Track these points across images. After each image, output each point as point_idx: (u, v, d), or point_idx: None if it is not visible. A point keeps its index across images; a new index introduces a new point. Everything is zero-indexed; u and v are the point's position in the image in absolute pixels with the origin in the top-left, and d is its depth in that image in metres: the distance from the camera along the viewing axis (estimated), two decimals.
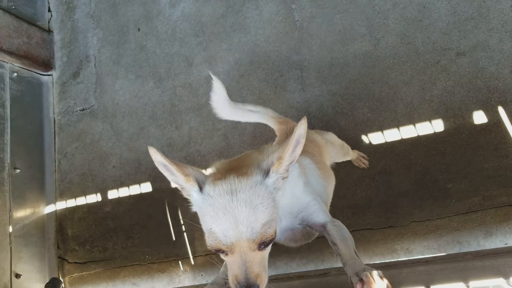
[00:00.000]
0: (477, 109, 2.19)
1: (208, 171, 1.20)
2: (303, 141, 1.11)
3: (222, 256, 1.11)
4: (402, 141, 2.30)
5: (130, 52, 3.10)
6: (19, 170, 2.87)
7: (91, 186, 2.96)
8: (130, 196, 2.85)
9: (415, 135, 2.28)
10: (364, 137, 2.38)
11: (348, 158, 2.21)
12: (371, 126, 2.38)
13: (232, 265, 1.08)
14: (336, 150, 1.97)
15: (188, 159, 2.75)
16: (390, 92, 2.36)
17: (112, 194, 2.90)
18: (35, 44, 3.21)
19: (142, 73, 3.02)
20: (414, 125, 2.29)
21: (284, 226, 1.34)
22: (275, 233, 1.09)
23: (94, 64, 3.21)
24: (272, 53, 2.67)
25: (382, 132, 2.35)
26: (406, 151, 2.29)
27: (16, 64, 3.06)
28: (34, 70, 3.22)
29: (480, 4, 2.26)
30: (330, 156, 1.87)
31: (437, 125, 2.24)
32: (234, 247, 1.05)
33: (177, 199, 2.72)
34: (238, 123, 2.64)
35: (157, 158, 1.09)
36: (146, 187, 2.82)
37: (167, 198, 2.75)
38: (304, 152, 1.42)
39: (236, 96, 2.66)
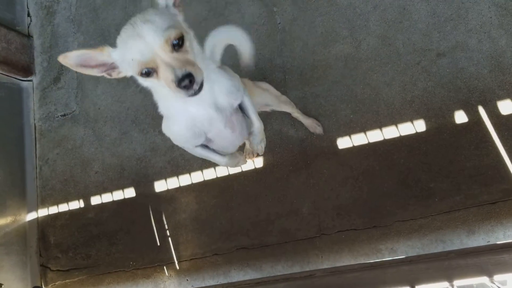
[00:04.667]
0: (458, 109, 2.23)
1: None
2: None
3: (153, 79, 1.23)
4: (385, 142, 2.33)
5: None
6: None
7: (74, 192, 2.93)
8: (113, 202, 2.83)
9: (398, 135, 2.30)
10: (347, 138, 2.40)
11: (286, 110, 2.31)
12: (354, 127, 2.40)
13: (164, 75, 1.20)
14: (271, 98, 2.14)
15: (172, 163, 2.74)
16: (372, 94, 2.39)
17: (95, 200, 2.87)
18: (15, 50, 3.18)
19: (124, 78, 3.00)
20: (396, 126, 2.32)
21: (221, 105, 1.55)
22: (183, 34, 1.22)
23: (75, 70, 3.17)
24: (255, 55, 2.67)
25: (365, 133, 2.37)
26: (388, 151, 2.31)
27: None
28: (13, 76, 3.18)
29: (459, 5, 2.30)
30: (261, 99, 2.05)
31: (418, 125, 2.28)
32: (155, 59, 1.19)
33: (161, 204, 2.71)
34: None
35: (71, 59, 1.25)
36: (129, 192, 2.80)
37: (151, 203, 2.74)
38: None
39: None
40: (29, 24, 3.42)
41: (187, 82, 1.18)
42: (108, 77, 1.36)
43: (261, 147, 1.91)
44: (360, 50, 2.45)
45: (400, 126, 2.31)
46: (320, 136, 2.45)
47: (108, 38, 3.12)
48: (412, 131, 2.28)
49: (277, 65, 2.63)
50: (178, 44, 1.21)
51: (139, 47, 1.19)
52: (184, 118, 1.51)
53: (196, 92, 1.23)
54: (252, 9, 2.74)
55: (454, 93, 2.24)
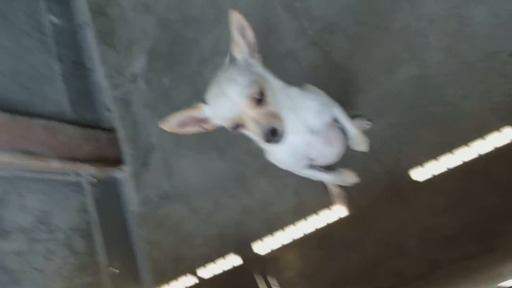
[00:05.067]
0: None
1: None
2: (246, 27, 1.43)
3: (243, 131, 1.44)
4: (477, 158, 2.22)
5: None
6: (117, 270, 3.09)
7: (183, 268, 3.12)
8: (222, 272, 2.96)
9: (490, 148, 2.19)
10: (436, 163, 2.32)
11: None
12: (441, 149, 2.33)
13: (252, 129, 1.37)
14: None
15: (267, 222, 2.82)
16: (451, 110, 2.32)
17: (205, 273, 3.02)
18: (104, 146, 3.50)
19: (204, 149, 3.19)
20: (484, 138, 2.21)
21: (315, 127, 1.69)
22: (263, 88, 1.38)
23: (160, 150, 3.42)
24: None
25: (453, 153, 2.29)
26: (484, 167, 2.22)
27: (91, 169, 3.34)
28: (108, 170, 3.50)
29: None
30: None
31: (509, 133, 2.15)
32: (241, 115, 1.36)
33: (266, 265, 2.79)
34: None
35: (172, 123, 1.53)
36: (234, 260, 2.93)
37: (256, 266, 2.83)
38: None
39: None
40: (111, 118, 3.75)
41: (271, 137, 1.34)
42: (203, 130, 1.57)
43: (364, 147, 2.13)
44: (427, 69, 2.40)
45: (489, 137, 2.20)
46: (409, 164, 2.40)
47: None
48: (506, 141, 2.16)
49: (344, 101, 2.63)
50: (260, 99, 1.37)
51: (226, 106, 1.38)
52: (285, 148, 1.61)
53: (280, 141, 1.37)
54: (307, 55, 2.79)
55: None
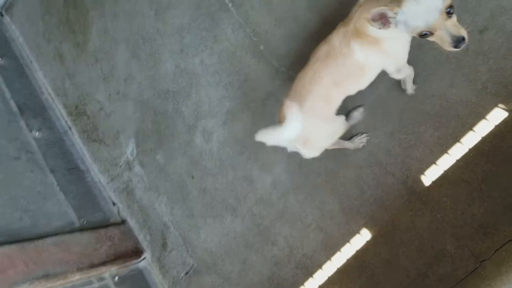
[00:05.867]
0: None
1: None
2: None
3: (430, 38, 1.66)
4: (485, 139, 2.18)
5: (197, 200, 3.24)
6: None
7: None
8: None
9: (493, 127, 2.15)
10: (446, 156, 2.27)
11: None
12: (445, 142, 2.29)
13: (442, 38, 1.63)
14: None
15: (300, 267, 2.74)
16: (442, 102, 2.30)
17: None
18: (119, 241, 3.44)
19: (216, 213, 3.13)
20: (486, 118, 2.17)
21: None
22: (451, 3, 1.58)
23: (174, 228, 3.36)
24: None
25: (460, 142, 2.24)
26: (494, 146, 2.17)
27: (113, 269, 3.26)
28: (129, 263, 3.42)
29: None
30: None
31: (503, 106, 2.12)
32: (435, 25, 1.59)
33: None
34: (322, 205, 2.64)
35: (374, 14, 1.66)
36: None
37: None
38: None
39: (309, 182, 2.68)
40: (118, 211, 3.70)
41: (459, 44, 1.61)
42: (382, 27, 1.71)
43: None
44: None
45: (489, 116, 2.15)
46: (421, 166, 2.34)
47: (185, 186, 3.29)
48: (505, 115, 2.11)
49: None
50: (450, 12, 1.58)
51: (424, 18, 1.59)
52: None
53: (463, 47, 1.63)
54: (286, 90, 2.78)
55: None
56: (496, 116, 2.15)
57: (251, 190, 2.96)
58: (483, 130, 2.18)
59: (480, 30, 2.18)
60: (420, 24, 1.61)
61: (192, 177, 3.27)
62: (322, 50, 2.05)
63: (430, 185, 2.33)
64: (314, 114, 2.10)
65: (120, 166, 3.67)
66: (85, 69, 3.89)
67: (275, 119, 2.82)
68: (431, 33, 1.63)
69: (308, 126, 2.07)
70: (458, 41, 1.60)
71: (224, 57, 3.09)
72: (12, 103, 3.77)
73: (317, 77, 2.05)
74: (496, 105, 2.15)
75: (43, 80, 4.15)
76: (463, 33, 1.61)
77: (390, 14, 1.64)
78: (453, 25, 1.60)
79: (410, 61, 2.31)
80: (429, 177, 2.33)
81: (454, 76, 2.25)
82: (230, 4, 3.07)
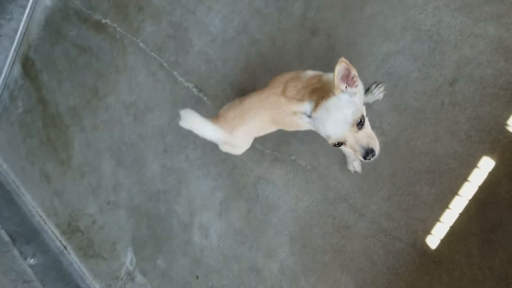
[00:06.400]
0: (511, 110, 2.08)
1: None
2: (350, 67, 1.62)
3: (342, 147, 1.69)
4: (482, 188, 2.14)
5: None
6: None
7: None
8: None
9: (486, 175, 2.13)
10: (448, 211, 2.23)
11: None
12: (443, 197, 2.26)
13: (352, 148, 1.66)
14: None
15: None
16: (431, 158, 2.29)
17: None
18: None
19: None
20: (477, 167, 2.15)
21: None
22: (362, 115, 1.62)
23: None
24: (311, 207, 2.64)
25: (458, 194, 2.20)
26: (494, 193, 2.12)
27: None
28: None
29: (427, 33, 2.28)
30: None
31: (492, 152, 2.11)
32: (345, 136, 1.63)
33: None
34: (336, 284, 2.52)
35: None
36: None
37: None
38: None
39: (317, 262, 2.59)
40: None
41: (370, 156, 1.64)
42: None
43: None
44: (387, 133, 2.40)
45: (480, 164, 2.14)
46: (426, 226, 2.28)
47: (189, 285, 3.16)
48: (494, 162, 2.10)
49: (336, 198, 2.58)
50: (360, 123, 1.62)
51: (333, 129, 1.64)
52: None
53: (374, 158, 1.67)
54: (279, 172, 2.76)
55: (495, 101, 2.10)
56: (487, 163, 2.13)
57: (260, 281, 2.85)
58: (477, 179, 2.16)
59: (450, 82, 2.22)
60: (330, 134, 1.66)
61: (197, 277, 3.15)
62: (274, 88, 2.08)
63: (440, 244, 2.25)
64: (240, 137, 2.37)
65: (122, 279, 3.54)
66: (72, 185, 3.87)
67: (269, 201, 2.80)
68: (343, 144, 1.67)
69: (230, 139, 2.35)
70: (366, 153, 1.64)
71: (208, 149, 3.10)
72: (3, 233, 3.70)
73: (259, 110, 2.18)
74: (484, 153, 2.14)
75: (32, 203, 4.10)
76: (373, 144, 1.65)
77: (308, 113, 1.73)
78: (363, 137, 1.64)
79: (391, 122, 2.33)
80: (436, 236, 2.26)
81: (436, 131, 2.25)
82: (205, 98, 3.13)
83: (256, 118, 2.21)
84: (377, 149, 1.67)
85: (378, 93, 2.39)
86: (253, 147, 2.89)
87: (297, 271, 2.69)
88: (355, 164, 2.44)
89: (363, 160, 1.66)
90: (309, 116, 1.73)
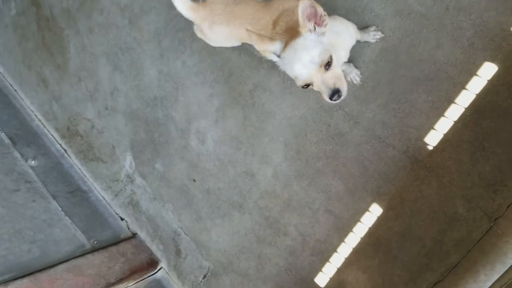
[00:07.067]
0: None
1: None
2: (315, 5, 1.57)
3: (311, 87, 1.67)
4: (479, 96, 2.12)
5: (202, 202, 3.20)
6: None
7: None
8: None
9: (485, 82, 2.09)
10: (443, 119, 2.21)
11: None
12: (440, 105, 2.23)
13: (319, 89, 1.64)
14: None
15: (315, 253, 2.70)
16: (431, 65, 2.23)
17: None
18: (132, 255, 3.42)
19: (223, 212, 3.09)
20: (477, 75, 2.10)
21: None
22: (330, 56, 1.60)
23: (185, 233, 3.33)
24: (307, 114, 2.63)
25: (455, 102, 2.18)
26: (490, 102, 2.11)
27: (130, 284, 3.24)
28: (147, 276, 3.39)
29: None
30: None
31: (494, 60, 2.05)
32: (312, 77, 1.61)
33: None
34: (328, 189, 2.59)
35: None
36: None
37: None
38: None
39: (310, 167, 2.63)
40: (127, 225, 3.67)
41: (337, 97, 1.63)
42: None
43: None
44: (389, 40, 2.32)
45: (480, 72, 2.09)
46: (420, 134, 2.29)
47: (188, 190, 3.25)
48: (495, 69, 2.05)
49: (333, 106, 2.56)
50: (328, 64, 1.60)
51: (300, 71, 1.61)
52: None
53: (341, 99, 1.66)
54: (276, 80, 2.72)
55: (502, 5, 2.01)
56: (487, 70, 2.08)
57: (254, 184, 2.92)
58: (476, 87, 2.12)
59: None
60: (297, 75, 1.64)
61: (194, 180, 3.22)
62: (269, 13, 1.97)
63: (432, 151, 2.27)
64: (217, 34, 2.31)
65: (122, 181, 3.64)
66: (70, 90, 3.84)
67: (265, 109, 2.79)
68: (311, 85, 1.66)
69: (205, 30, 2.30)
70: (333, 94, 1.62)
71: (205, 55, 3.03)
72: (3, 136, 3.73)
73: (247, 22, 2.06)
74: (485, 60, 2.08)
75: (30, 107, 4.10)
76: (340, 85, 1.63)
77: (278, 52, 1.71)
78: (331, 78, 1.62)
79: (393, 27, 2.26)
80: (429, 143, 2.27)
81: (438, 37, 2.18)
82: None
83: (242, 29, 2.07)
84: (344, 90, 1.65)
85: (372, 36, 2.29)
86: (250, 53, 2.82)
87: (290, 176, 2.74)
88: (352, 76, 2.39)
89: (329, 101, 1.65)
90: (279, 56, 1.69)
